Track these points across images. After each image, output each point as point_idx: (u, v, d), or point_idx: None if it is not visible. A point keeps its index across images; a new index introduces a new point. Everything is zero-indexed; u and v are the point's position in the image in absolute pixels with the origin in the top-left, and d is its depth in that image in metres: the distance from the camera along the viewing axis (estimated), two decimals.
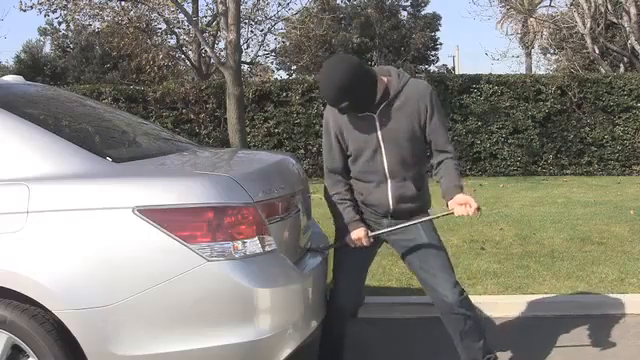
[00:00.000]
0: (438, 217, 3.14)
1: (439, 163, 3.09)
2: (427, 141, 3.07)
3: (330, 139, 3.10)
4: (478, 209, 2.94)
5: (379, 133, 2.98)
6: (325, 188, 3.18)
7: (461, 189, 3.00)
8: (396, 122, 2.97)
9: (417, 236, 3.10)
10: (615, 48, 17.51)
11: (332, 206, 3.14)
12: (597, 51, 16.93)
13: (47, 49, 29.79)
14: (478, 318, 3.22)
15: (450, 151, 3.10)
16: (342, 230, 3.11)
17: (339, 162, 3.11)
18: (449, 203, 3.01)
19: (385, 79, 3.00)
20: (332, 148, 3.10)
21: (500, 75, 13.70)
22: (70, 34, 26.23)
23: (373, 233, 3.07)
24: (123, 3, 16.64)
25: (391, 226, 3.09)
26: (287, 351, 2.52)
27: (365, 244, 3.06)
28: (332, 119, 3.07)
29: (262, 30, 18.27)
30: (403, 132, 2.98)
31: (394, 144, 2.99)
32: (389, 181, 3.04)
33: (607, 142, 13.18)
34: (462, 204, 2.95)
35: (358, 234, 3.04)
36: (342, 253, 3.16)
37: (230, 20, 11.07)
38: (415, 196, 3.07)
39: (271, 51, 20.62)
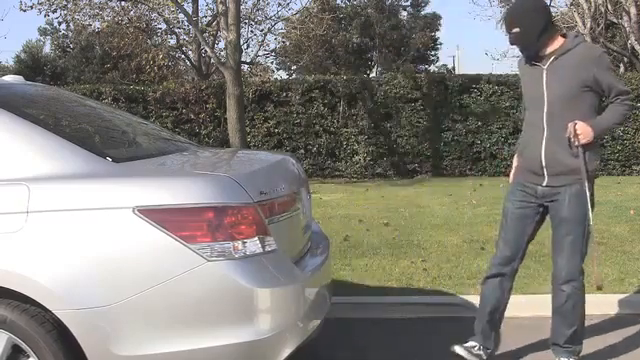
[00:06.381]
0: None
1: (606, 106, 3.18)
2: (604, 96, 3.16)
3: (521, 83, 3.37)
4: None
5: (544, 85, 3.12)
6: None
7: (591, 126, 3.03)
8: (561, 77, 3.10)
9: (562, 207, 3.17)
10: (615, 48, 17.50)
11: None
12: None
13: (47, 49, 29.86)
14: (582, 308, 3.29)
15: (623, 92, 3.14)
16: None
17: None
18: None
19: (562, 40, 3.16)
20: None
21: (500, 75, 13.72)
22: (70, 34, 26.18)
23: None
24: (123, 3, 16.61)
25: (547, 187, 3.15)
26: (287, 351, 2.51)
27: None
28: (519, 67, 3.35)
29: (262, 30, 18.21)
30: (566, 87, 3.10)
31: (556, 98, 3.10)
32: (545, 133, 3.12)
33: (607, 142, 13.16)
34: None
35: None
36: (508, 215, 3.32)
37: (230, 20, 11.08)
38: (570, 154, 3.09)
39: (271, 51, 20.56)
